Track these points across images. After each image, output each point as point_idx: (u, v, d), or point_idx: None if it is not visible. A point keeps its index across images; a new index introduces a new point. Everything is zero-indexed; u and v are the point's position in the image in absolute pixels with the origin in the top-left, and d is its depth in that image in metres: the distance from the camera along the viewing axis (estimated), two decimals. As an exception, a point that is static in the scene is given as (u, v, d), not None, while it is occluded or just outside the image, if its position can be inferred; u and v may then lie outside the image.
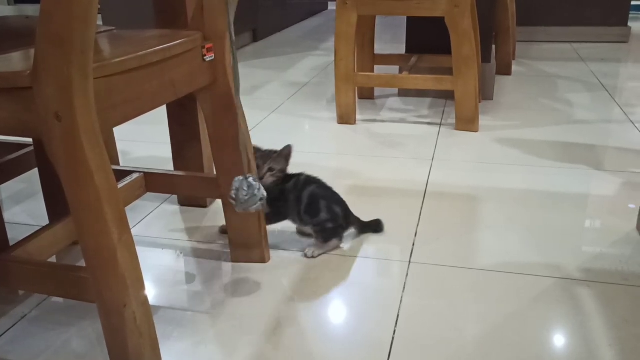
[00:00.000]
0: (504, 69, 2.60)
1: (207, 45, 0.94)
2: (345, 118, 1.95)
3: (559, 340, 0.88)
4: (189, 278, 1.08)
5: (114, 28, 1.07)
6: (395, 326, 0.92)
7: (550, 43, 3.38)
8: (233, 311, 0.97)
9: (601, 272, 1.05)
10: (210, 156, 1.35)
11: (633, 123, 1.89)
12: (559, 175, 1.48)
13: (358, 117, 2.02)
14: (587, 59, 2.92)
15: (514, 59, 2.92)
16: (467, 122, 1.84)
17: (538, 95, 2.26)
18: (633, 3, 3.39)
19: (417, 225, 1.24)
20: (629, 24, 3.33)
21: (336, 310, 0.97)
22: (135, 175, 1.12)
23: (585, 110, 2.04)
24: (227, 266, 1.11)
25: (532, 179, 1.47)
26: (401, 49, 3.25)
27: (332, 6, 5.62)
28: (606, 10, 3.28)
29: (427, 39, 2.20)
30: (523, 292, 1.00)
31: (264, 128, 1.94)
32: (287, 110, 2.14)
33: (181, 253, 1.17)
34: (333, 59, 1.94)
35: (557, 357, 0.84)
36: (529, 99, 2.22)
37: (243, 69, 2.90)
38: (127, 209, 1.32)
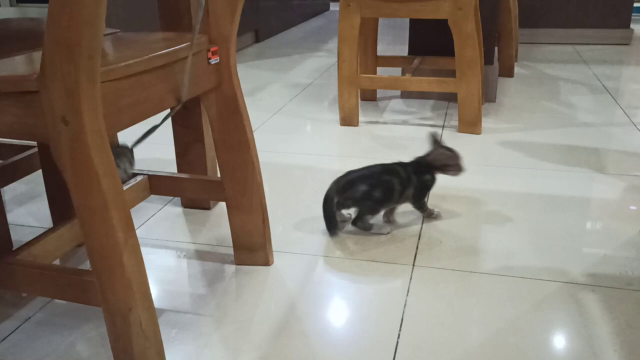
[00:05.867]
0: (507, 71, 2.60)
1: (213, 49, 0.94)
2: (348, 120, 1.95)
3: (563, 345, 0.88)
4: (193, 281, 1.08)
5: (118, 30, 1.07)
6: (400, 330, 0.92)
7: (553, 45, 3.38)
8: (237, 314, 0.97)
9: (605, 276, 1.05)
10: (214, 158, 1.35)
11: (635, 125, 1.89)
12: (562, 179, 1.48)
13: (361, 118, 2.02)
14: (590, 61, 2.92)
15: (516, 61, 2.92)
16: (470, 125, 1.84)
17: (540, 98, 2.26)
18: (635, 5, 3.39)
19: (421, 228, 1.24)
20: (631, 26, 3.33)
21: (340, 313, 0.97)
22: (139, 178, 1.12)
23: (587, 113, 2.04)
24: (230, 269, 1.11)
25: (536, 182, 1.47)
26: (403, 50, 3.25)
27: (333, 7, 5.62)
28: (608, 13, 3.28)
29: (430, 41, 2.20)
30: (527, 296, 1.00)
31: (267, 130, 1.94)
32: (290, 112, 2.14)
33: (184, 255, 1.17)
34: (335, 60, 1.94)
35: (562, 362, 0.84)
36: (531, 101, 2.22)
37: (245, 70, 2.90)
38: (131, 211, 1.33)
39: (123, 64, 0.74)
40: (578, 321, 0.93)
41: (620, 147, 1.70)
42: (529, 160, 1.61)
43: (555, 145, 1.74)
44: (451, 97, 2.24)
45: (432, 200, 1.38)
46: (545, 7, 3.35)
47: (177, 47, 0.85)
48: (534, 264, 1.10)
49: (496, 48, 2.36)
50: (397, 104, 2.22)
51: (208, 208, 1.36)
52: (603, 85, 2.42)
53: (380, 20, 3.92)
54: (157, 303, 1.01)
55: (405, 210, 1.33)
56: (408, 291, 1.02)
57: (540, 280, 1.04)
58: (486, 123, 1.95)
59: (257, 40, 3.73)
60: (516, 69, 2.76)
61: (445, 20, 1.75)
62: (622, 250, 1.14)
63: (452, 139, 1.80)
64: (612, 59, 2.95)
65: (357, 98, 1.93)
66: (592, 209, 1.32)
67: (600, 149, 1.69)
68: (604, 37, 3.33)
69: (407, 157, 1.61)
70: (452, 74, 1.83)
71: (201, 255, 1.17)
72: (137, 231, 1.26)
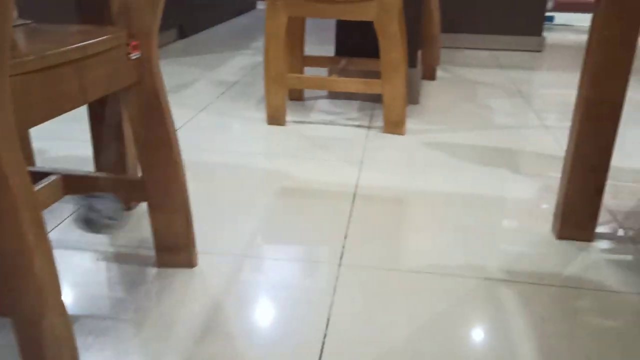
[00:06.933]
0: (429, 74, 2.68)
1: (133, 43, 0.90)
2: (275, 119, 1.94)
3: (483, 339, 0.91)
4: (111, 284, 1.03)
5: (30, 21, 1.00)
6: (326, 329, 0.92)
7: (472, 50, 3.51)
8: (158, 318, 0.94)
9: (521, 272, 1.10)
10: (135, 157, 1.30)
11: (546, 128, 1.99)
12: (481, 178, 1.54)
13: (288, 118, 2.02)
14: (506, 66, 3.06)
15: (438, 65, 3.01)
16: (395, 126, 1.88)
17: (461, 100, 2.34)
18: (547, 15, 3.58)
19: (347, 227, 1.25)
20: (543, 34, 3.52)
21: (266, 314, 0.96)
22: (52, 177, 1.06)
23: (504, 116, 2.14)
24: (152, 271, 1.07)
25: (457, 181, 1.52)
26: (330, 51, 3.28)
27: (260, 5, 5.58)
28: (523, 21, 3.45)
29: (357, 43, 2.23)
30: (450, 293, 1.03)
31: (192, 127, 1.90)
32: (216, 110, 2.10)
33: (102, 258, 1.12)
34: (262, 58, 1.92)
35: (482, 356, 0.87)
36: (452, 103, 2.30)
37: (169, 67, 2.82)
38: (43, 212, 1.26)
39: (35, 56, 0.70)
40: (496, 316, 0.97)
41: (533, 149, 1.79)
42: (451, 161, 1.66)
43: (475, 146, 1.80)
44: (377, 98, 2.27)
45: (358, 200, 1.40)
46: (465, 13, 3.48)
47: (94, 40, 0.81)
48: (456, 261, 1.13)
49: (419, 51, 2.42)
50: (324, 104, 2.23)
51: (128, 208, 1.31)
52: (517, 90, 2.54)
53: (308, 20, 3.93)
54: (72, 309, 0.96)
55: (332, 209, 1.34)
56: (335, 290, 1.03)
57: (462, 277, 1.08)
58: (410, 124, 1.99)
59: (182, 36, 3.64)
60: (438, 73, 2.84)
61: (371, 22, 1.78)
62: (536, 247, 1.19)
63: (378, 140, 1.83)
64: (525, 65, 3.10)
65: (284, 97, 1.92)
66: (508, 208, 1.38)
67: (516, 150, 1.77)
68: (518, 44, 3.50)
69: (334, 157, 1.62)
70: (377, 75, 1.86)
71: (120, 258, 1.12)
72: (50, 233, 1.19)
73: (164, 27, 3.33)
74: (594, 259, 1.15)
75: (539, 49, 3.50)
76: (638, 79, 2.79)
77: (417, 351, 0.88)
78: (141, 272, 1.07)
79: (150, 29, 0.92)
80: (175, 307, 0.97)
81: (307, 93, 2.36)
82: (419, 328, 0.93)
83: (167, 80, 2.54)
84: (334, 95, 2.32)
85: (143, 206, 1.32)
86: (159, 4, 0.92)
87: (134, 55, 0.91)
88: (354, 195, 1.41)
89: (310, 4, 1.79)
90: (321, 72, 2.60)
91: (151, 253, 1.13)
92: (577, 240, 1.22)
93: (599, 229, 1.27)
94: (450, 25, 3.52)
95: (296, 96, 2.27)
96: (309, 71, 2.55)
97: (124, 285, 1.03)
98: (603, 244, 1.21)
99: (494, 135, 1.91)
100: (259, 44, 3.54)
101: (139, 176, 1.04)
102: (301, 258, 1.13)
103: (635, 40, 1.07)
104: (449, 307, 0.99)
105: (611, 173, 1.60)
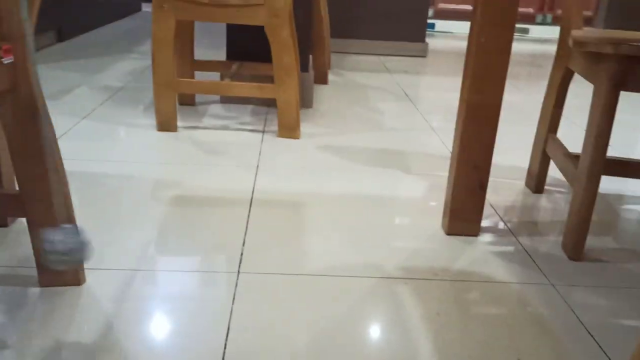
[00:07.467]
0: (321, 79, 2.72)
1: (5, 47, 0.83)
2: (166, 125, 1.87)
3: (382, 336, 0.93)
4: (-12, 309, 0.94)
5: None
6: (226, 340, 0.90)
7: (361, 55, 3.62)
8: (44, 342, 0.87)
9: (415, 269, 1.14)
10: (11, 169, 1.20)
11: (433, 130, 2.09)
12: (374, 179, 1.59)
13: (179, 124, 1.96)
14: (393, 70, 3.18)
15: (329, 69, 3.07)
16: (289, 130, 1.88)
17: (353, 104, 2.40)
18: (429, 22, 3.77)
19: (245, 234, 1.24)
20: (426, 40, 3.70)
21: (162, 329, 0.92)
22: None
23: (394, 118, 2.22)
24: (35, 292, 0.99)
25: (352, 183, 1.55)
26: (220, 55, 3.24)
27: (146, 7, 5.39)
28: (407, 27, 3.61)
29: (248, 47, 2.21)
30: (349, 293, 1.05)
31: (74, 136, 1.78)
32: (100, 117, 2.00)
33: (-23, 281, 1.02)
34: (149, 62, 1.85)
35: (382, 353, 0.89)
36: (345, 107, 2.35)
37: (47, 72, 2.64)
38: None
39: None
40: (394, 313, 1.00)
41: (422, 150, 1.87)
42: (345, 163, 1.70)
43: (367, 148, 1.85)
44: (270, 103, 2.27)
45: (255, 206, 1.38)
46: (353, 19, 3.58)
47: (-42, 41, 0.74)
48: (354, 262, 1.15)
49: (311, 56, 2.45)
50: (217, 108, 2.19)
51: (5, 225, 1.21)
52: (405, 93, 2.65)
53: (198, 24, 3.86)
54: (-59, 340, 0.86)
55: (229, 215, 1.31)
56: (234, 299, 1.01)
57: (360, 277, 1.10)
58: (304, 128, 2.01)
59: (60, 39, 3.42)
60: (330, 77, 2.90)
61: (262, 27, 1.77)
62: (428, 243, 1.25)
63: (273, 144, 1.82)
64: (411, 70, 3.24)
65: (174, 102, 1.86)
66: (401, 207, 1.43)
67: (405, 151, 1.85)
68: (404, 50, 3.66)
69: (229, 163, 1.60)
70: (270, 79, 1.86)
71: (-2, 280, 1.02)
72: None
73: (40, 29, 3.12)
74: (480, 252, 1.22)
75: (422, 54, 3.67)
76: (512, 82, 3.01)
77: (318, 355, 0.88)
78: (23, 293, 0.99)
79: (24, 31, 0.85)
80: (62, 329, 0.90)
81: (199, 98, 2.31)
82: (320, 332, 0.94)
83: (45, 86, 2.37)
84: (226, 100, 2.29)
85: (22, 222, 1.23)
86: (34, 4, 0.85)
87: (6, 59, 0.84)
88: (251, 201, 1.40)
89: (199, 7, 1.75)
90: (213, 76, 2.56)
91: (33, 272, 1.04)
92: (465, 235, 1.29)
93: (484, 223, 1.35)
94: (339, 31, 3.60)
95: (187, 101, 2.21)
96: (200, 76, 2.50)
97: (3, 309, 0.94)
98: (488, 238, 1.29)
99: (385, 137, 1.97)
100: (146, 47, 3.41)
101: (16, 190, 0.96)
102: (198, 268, 1.10)
103: (509, 46, 1.15)
104: (348, 308, 1.00)
105: (492, 170, 1.71)
